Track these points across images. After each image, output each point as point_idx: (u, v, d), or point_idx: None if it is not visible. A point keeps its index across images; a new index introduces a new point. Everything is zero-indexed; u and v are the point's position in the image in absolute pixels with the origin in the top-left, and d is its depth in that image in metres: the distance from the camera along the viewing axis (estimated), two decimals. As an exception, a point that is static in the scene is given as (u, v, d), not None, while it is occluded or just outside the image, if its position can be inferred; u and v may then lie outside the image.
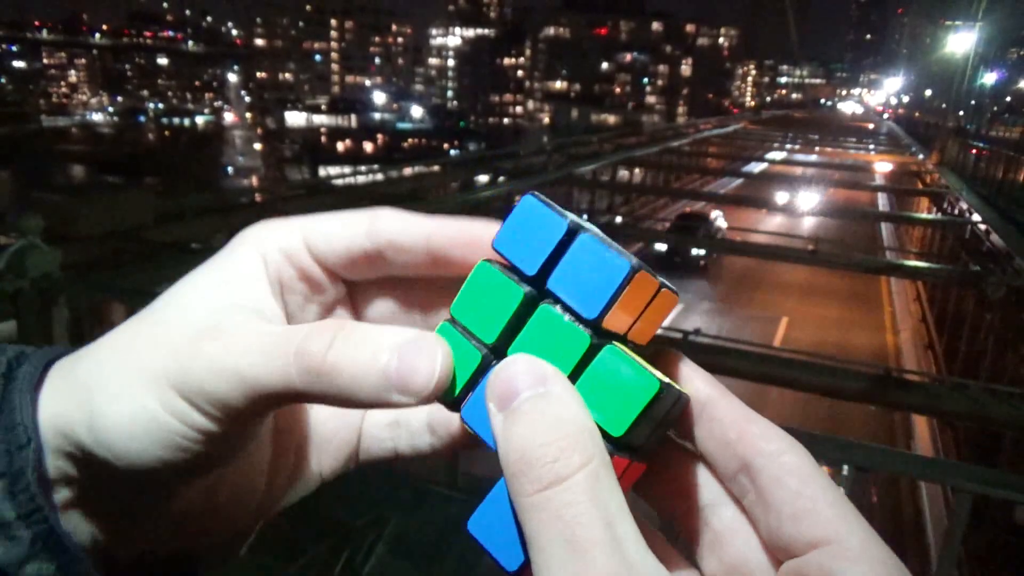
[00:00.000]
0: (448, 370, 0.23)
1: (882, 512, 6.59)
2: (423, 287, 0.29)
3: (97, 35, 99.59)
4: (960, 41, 27.10)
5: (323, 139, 72.31)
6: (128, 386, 0.24)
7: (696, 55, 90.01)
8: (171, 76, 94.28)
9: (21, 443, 0.23)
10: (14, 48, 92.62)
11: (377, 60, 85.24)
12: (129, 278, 4.00)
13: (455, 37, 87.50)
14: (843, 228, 18.78)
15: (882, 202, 22.18)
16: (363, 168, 15.84)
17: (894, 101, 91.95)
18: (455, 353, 0.24)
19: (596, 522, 0.19)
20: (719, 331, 9.88)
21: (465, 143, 69.91)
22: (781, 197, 18.61)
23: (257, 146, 71.44)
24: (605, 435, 0.22)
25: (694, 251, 14.72)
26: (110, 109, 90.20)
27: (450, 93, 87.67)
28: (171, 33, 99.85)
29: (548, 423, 0.21)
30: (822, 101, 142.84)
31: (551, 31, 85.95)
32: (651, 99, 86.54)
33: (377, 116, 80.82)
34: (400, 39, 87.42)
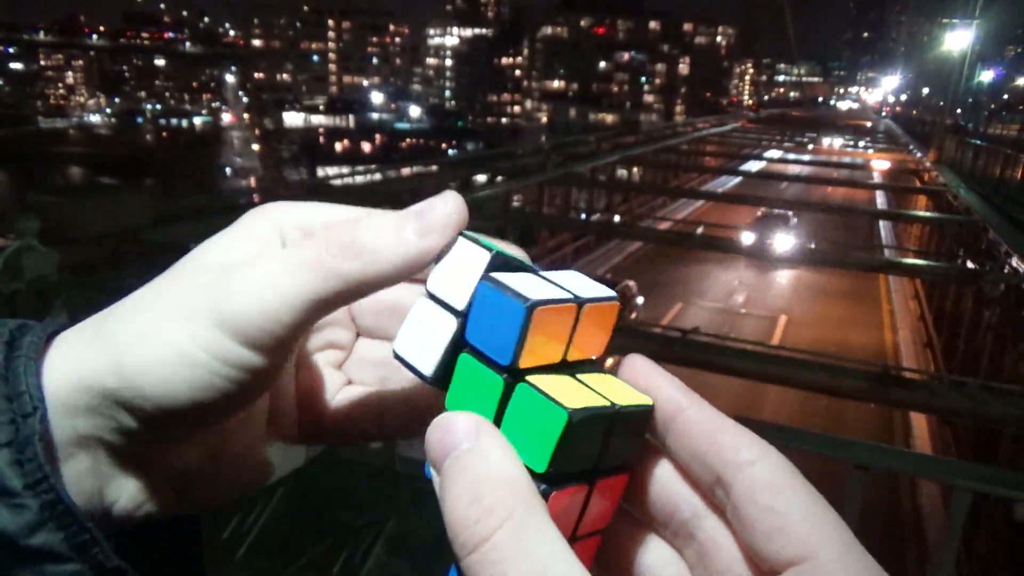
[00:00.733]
0: (462, 208, 0.24)
1: (881, 510, 6.60)
2: None
3: (94, 36, 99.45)
4: (958, 39, 27.14)
5: (321, 139, 72.25)
6: (155, 326, 0.24)
7: (694, 54, 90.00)
8: (168, 77, 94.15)
9: (27, 411, 0.23)
10: (11, 50, 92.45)
11: (375, 60, 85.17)
12: (127, 279, 3.98)
13: (453, 37, 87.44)
14: (841, 226, 18.80)
15: (880, 200, 22.20)
16: (361, 168, 15.83)
17: (892, 99, 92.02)
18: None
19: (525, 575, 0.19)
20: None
21: (463, 143, 69.89)
22: (779, 194, 18.63)
23: (255, 147, 71.34)
24: (534, 474, 0.22)
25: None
26: (107, 110, 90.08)
27: (448, 93, 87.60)
28: (173, 34, 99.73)
29: (470, 482, 0.21)
30: (820, 99, 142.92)
31: (549, 30, 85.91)
32: (649, 98, 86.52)
33: (375, 116, 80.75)
34: (398, 39, 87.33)
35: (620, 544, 0.26)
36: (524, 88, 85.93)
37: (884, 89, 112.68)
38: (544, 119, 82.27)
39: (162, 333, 0.24)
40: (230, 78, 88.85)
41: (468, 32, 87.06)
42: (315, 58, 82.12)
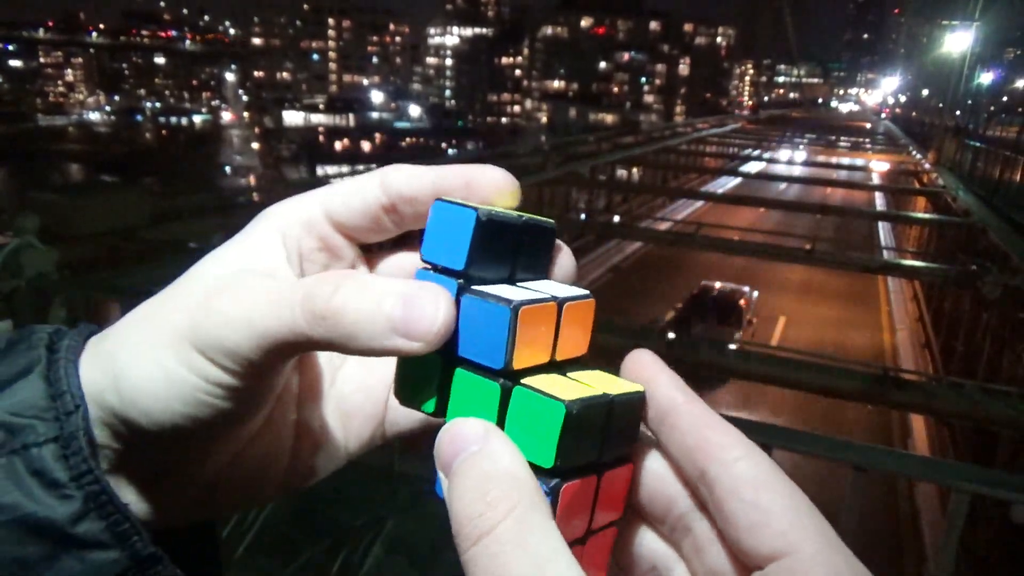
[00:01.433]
0: (451, 316, 0.24)
1: (879, 512, 6.60)
2: None
3: (94, 34, 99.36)
4: (957, 40, 27.14)
5: (321, 138, 72.22)
6: (147, 346, 0.25)
7: (694, 54, 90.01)
8: (168, 75, 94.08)
9: (69, 409, 0.24)
10: (10, 47, 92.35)
11: (375, 59, 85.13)
12: (126, 278, 3.99)
13: (453, 36, 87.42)
14: (840, 227, 18.81)
15: (879, 202, 22.22)
16: (361, 167, 15.84)
17: (891, 101, 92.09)
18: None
19: (524, 568, 0.19)
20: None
21: (463, 142, 69.88)
22: (778, 196, 18.64)
23: (255, 145, 71.34)
24: (543, 470, 0.22)
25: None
26: (107, 108, 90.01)
27: (448, 92, 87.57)
28: (175, 32, 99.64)
29: (475, 479, 0.21)
30: (819, 101, 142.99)
31: (549, 30, 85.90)
32: (649, 98, 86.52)
33: (375, 115, 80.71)
34: (398, 38, 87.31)
35: (618, 538, 0.26)
36: (524, 88, 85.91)
37: (884, 91, 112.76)
38: (544, 119, 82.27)
39: (152, 352, 0.25)
40: (230, 76, 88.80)
41: (468, 31, 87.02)
42: (315, 57, 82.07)
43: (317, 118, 75.25)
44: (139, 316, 0.27)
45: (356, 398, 0.31)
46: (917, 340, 11.41)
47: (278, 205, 0.29)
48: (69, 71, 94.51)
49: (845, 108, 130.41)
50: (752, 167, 26.29)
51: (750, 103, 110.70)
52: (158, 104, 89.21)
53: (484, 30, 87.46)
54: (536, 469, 0.22)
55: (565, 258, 0.28)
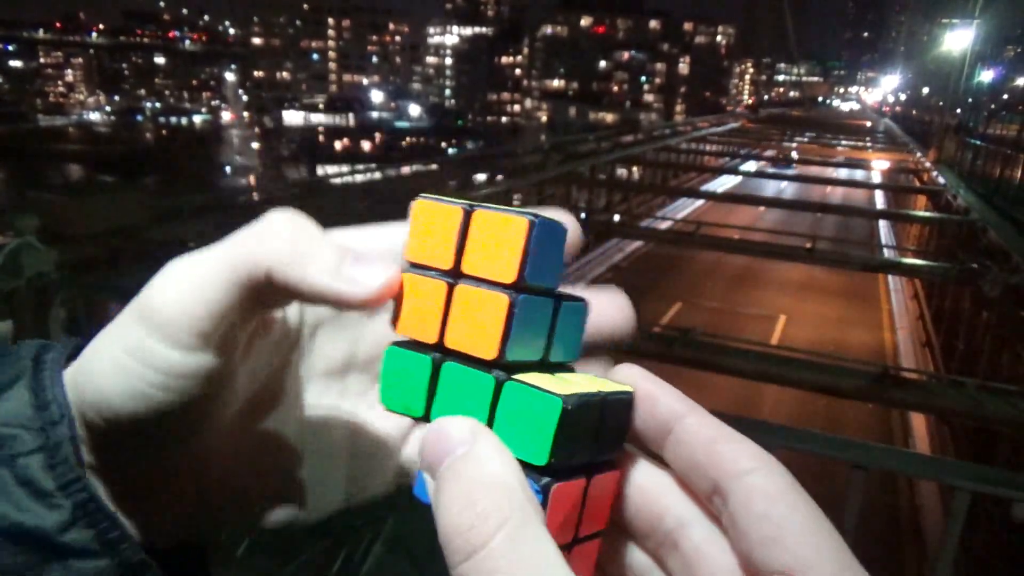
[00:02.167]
0: (394, 283, 0.23)
1: (880, 510, 6.60)
2: None
3: (94, 34, 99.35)
4: (957, 38, 27.11)
5: (321, 138, 72.24)
6: (103, 342, 0.25)
7: (694, 53, 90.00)
8: (168, 75, 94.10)
9: (55, 419, 0.24)
10: (10, 47, 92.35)
11: (375, 59, 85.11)
12: (126, 277, 3.99)
13: (453, 35, 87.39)
14: (840, 226, 18.81)
15: (879, 200, 22.20)
16: (361, 167, 15.82)
17: (891, 99, 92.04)
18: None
19: None
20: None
21: (463, 142, 69.87)
22: (778, 194, 18.64)
23: (255, 145, 71.37)
24: (535, 468, 0.22)
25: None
26: (107, 108, 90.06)
27: (448, 92, 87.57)
28: (177, 32, 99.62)
29: (463, 488, 0.20)
30: (819, 99, 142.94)
31: (549, 29, 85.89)
32: (649, 97, 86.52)
33: (375, 115, 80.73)
34: (398, 38, 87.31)
35: (602, 553, 0.26)
36: (524, 87, 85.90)
37: (884, 89, 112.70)
38: (544, 118, 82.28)
39: (105, 346, 0.24)
40: (230, 76, 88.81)
41: (468, 31, 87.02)
42: (315, 56, 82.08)
43: (317, 118, 75.26)
44: (112, 321, 0.26)
45: (371, 440, 0.31)
46: (918, 338, 11.41)
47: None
48: (69, 71, 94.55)
49: (846, 107, 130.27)
50: (752, 166, 26.29)
51: (749, 101, 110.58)
52: (158, 104, 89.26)
53: (484, 29, 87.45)
54: (527, 468, 0.22)
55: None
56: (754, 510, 0.21)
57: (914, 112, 52.12)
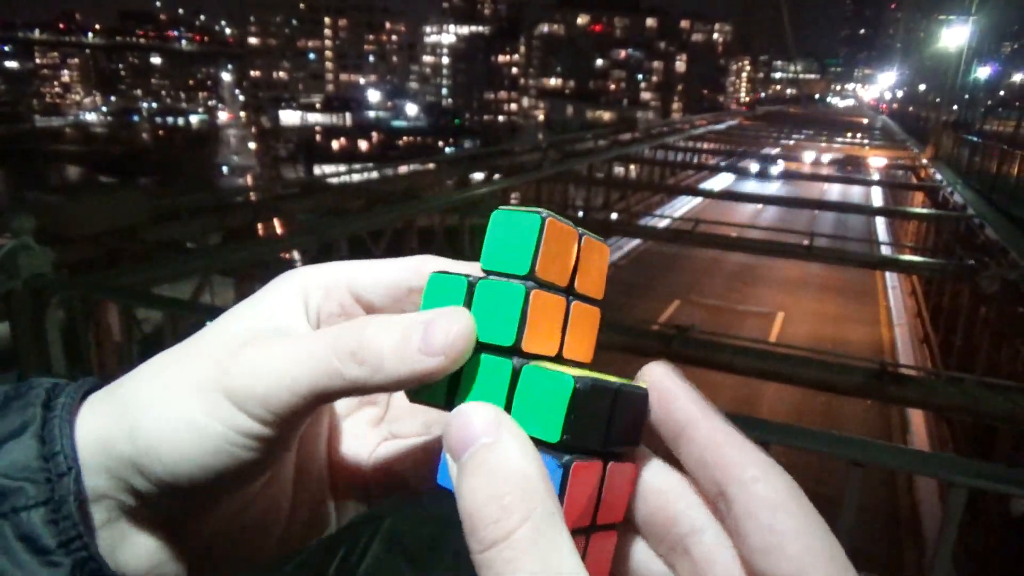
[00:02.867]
0: (470, 328, 0.24)
1: (878, 506, 6.61)
2: None
3: (90, 34, 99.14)
4: (954, 35, 27.12)
5: (318, 137, 72.12)
6: (170, 395, 0.25)
7: (691, 51, 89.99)
8: (164, 75, 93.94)
9: (62, 471, 0.24)
10: (6, 48, 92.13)
11: (371, 58, 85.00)
12: (123, 278, 3.98)
13: (449, 34, 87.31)
14: (838, 223, 18.82)
15: (877, 197, 22.22)
16: (358, 166, 15.80)
17: (888, 96, 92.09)
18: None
19: None
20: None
21: (460, 141, 69.82)
22: (776, 192, 18.65)
23: (252, 145, 71.27)
24: (548, 445, 0.23)
25: None
26: (103, 109, 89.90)
27: (445, 91, 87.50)
28: (175, 32, 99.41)
29: (490, 478, 0.21)
30: (816, 96, 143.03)
31: (546, 28, 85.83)
32: (646, 95, 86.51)
33: (372, 114, 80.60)
34: (394, 37, 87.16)
35: (615, 553, 0.26)
36: (521, 86, 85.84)
37: (881, 86, 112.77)
38: (541, 116, 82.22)
39: (174, 402, 0.25)
40: (226, 76, 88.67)
41: (465, 30, 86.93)
42: (311, 56, 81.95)
43: (314, 117, 75.15)
44: (157, 366, 0.27)
45: (346, 460, 0.32)
46: (915, 335, 11.42)
47: (301, 268, 0.29)
48: (65, 72, 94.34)
49: (842, 104, 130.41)
50: (749, 163, 26.29)
51: (746, 100, 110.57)
52: (155, 104, 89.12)
53: (481, 28, 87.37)
54: (541, 446, 0.23)
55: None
56: (757, 518, 0.22)
57: (911, 109, 52.16)
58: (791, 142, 30.49)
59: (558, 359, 0.25)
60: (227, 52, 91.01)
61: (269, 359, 0.25)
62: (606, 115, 77.71)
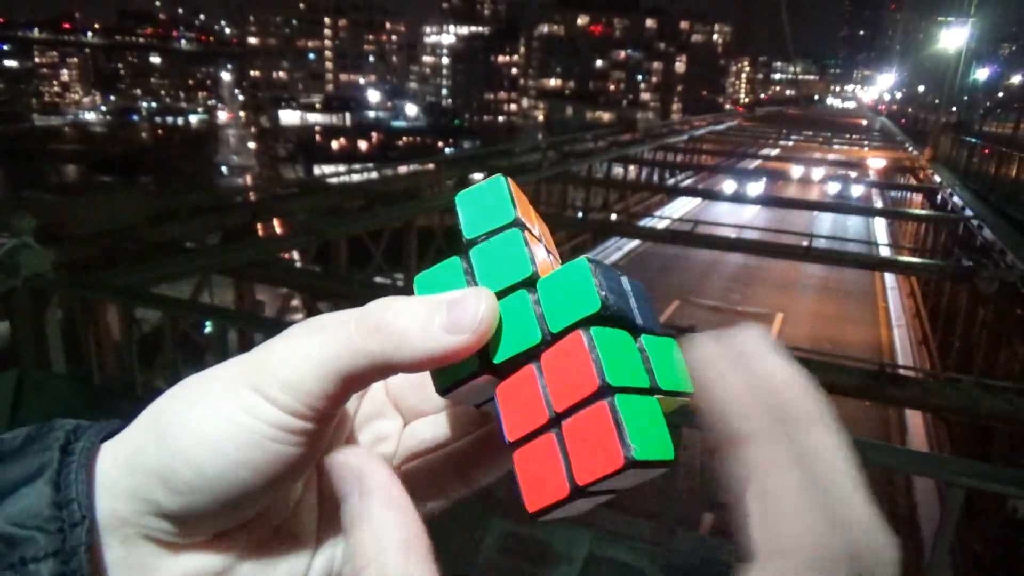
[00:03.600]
0: (496, 307, 0.25)
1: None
2: None
3: (89, 33, 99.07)
4: (953, 37, 27.15)
5: (317, 137, 72.06)
6: (202, 397, 0.25)
7: (690, 52, 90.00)
8: (164, 75, 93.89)
9: (75, 520, 0.23)
10: (5, 47, 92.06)
11: (371, 58, 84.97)
12: (122, 278, 3.98)
13: (449, 35, 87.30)
14: (836, 224, 18.83)
15: (876, 198, 22.24)
16: (358, 166, 15.79)
17: (887, 97, 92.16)
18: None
19: None
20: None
21: (460, 141, 69.82)
22: (775, 192, 18.65)
23: (251, 145, 71.18)
24: (597, 317, 0.25)
25: None
26: (103, 108, 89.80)
27: (444, 91, 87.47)
28: (178, 31, 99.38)
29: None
30: (816, 97, 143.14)
31: (545, 28, 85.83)
32: (645, 96, 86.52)
33: (371, 114, 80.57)
34: (394, 37, 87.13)
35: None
36: (521, 86, 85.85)
37: (880, 87, 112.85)
38: (541, 117, 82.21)
39: (206, 401, 0.25)
40: (226, 76, 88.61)
41: (464, 30, 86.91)
42: (311, 56, 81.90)
43: (313, 117, 75.12)
44: (191, 380, 0.27)
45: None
46: (914, 336, 11.44)
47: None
48: (64, 71, 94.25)
49: (842, 105, 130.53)
50: (749, 164, 26.30)
51: (745, 101, 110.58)
52: (154, 104, 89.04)
53: (480, 28, 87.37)
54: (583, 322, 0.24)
55: None
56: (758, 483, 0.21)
57: (910, 110, 52.20)
58: (790, 143, 30.52)
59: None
60: (227, 52, 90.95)
61: (294, 346, 0.25)
62: (605, 116, 77.71)
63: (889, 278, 14.17)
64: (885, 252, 14.39)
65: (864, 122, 55.66)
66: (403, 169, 11.84)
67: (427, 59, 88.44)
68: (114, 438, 0.26)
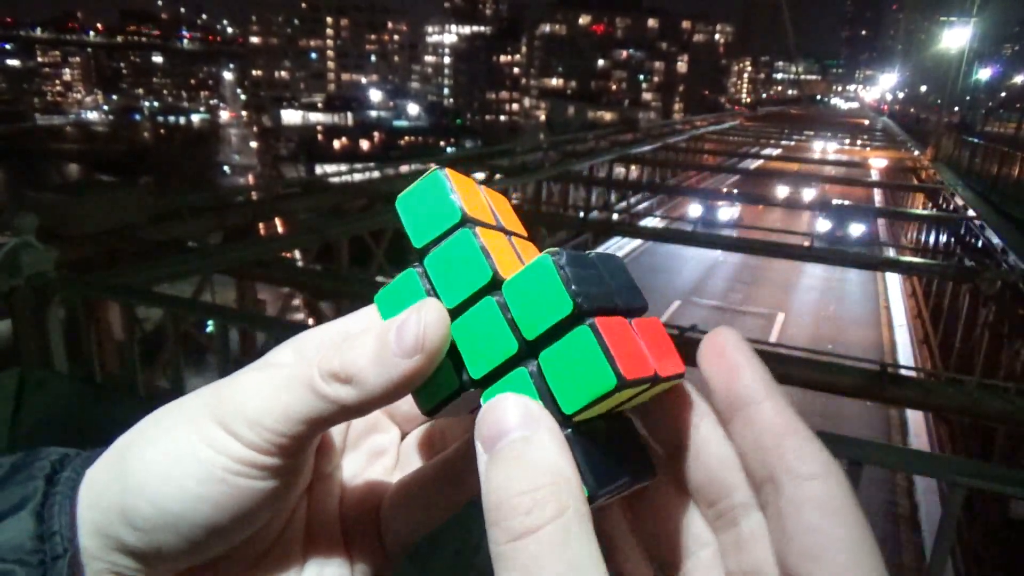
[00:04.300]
0: (441, 316, 0.24)
1: (878, 507, 6.62)
2: None
3: (91, 33, 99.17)
4: (955, 37, 27.12)
5: (319, 137, 72.11)
6: (165, 431, 0.24)
7: (692, 52, 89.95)
8: (166, 74, 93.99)
9: (57, 553, 0.23)
10: (8, 46, 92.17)
11: (373, 58, 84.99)
12: (124, 277, 3.99)
13: (451, 34, 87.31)
14: (838, 223, 18.78)
15: (877, 198, 22.22)
16: (359, 166, 15.80)
17: (889, 97, 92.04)
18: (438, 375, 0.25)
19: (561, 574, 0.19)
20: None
21: (461, 141, 69.84)
22: (777, 193, 18.62)
23: (253, 144, 71.26)
24: (574, 317, 0.23)
25: None
26: (105, 107, 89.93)
27: (446, 91, 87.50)
28: (182, 31, 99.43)
29: (525, 471, 0.21)
30: (818, 97, 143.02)
31: (547, 28, 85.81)
32: (647, 96, 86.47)
33: (373, 114, 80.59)
34: (396, 36, 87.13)
35: (663, 509, 0.26)
36: (522, 86, 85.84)
37: (882, 87, 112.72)
38: (542, 117, 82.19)
39: (168, 435, 0.24)
40: (228, 75, 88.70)
41: (466, 30, 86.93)
42: (313, 55, 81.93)
43: (315, 117, 75.15)
44: (156, 414, 0.26)
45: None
46: (916, 336, 11.43)
47: (303, 333, 0.29)
48: (67, 70, 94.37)
49: (845, 105, 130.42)
50: (750, 164, 26.29)
51: (746, 101, 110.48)
52: (156, 103, 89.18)
53: (482, 28, 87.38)
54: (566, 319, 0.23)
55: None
56: (804, 518, 0.21)
57: (912, 110, 52.16)
58: (792, 143, 30.50)
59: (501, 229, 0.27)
60: (229, 51, 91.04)
61: (260, 384, 0.24)
62: (607, 115, 77.68)
63: (891, 278, 14.16)
64: (887, 252, 14.40)
65: (866, 122, 55.60)
66: (405, 168, 11.84)
67: (429, 59, 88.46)
68: (90, 473, 0.25)
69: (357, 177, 11.18)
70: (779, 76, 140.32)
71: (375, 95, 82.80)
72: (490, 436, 0.22)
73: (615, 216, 15.27)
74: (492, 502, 0.21)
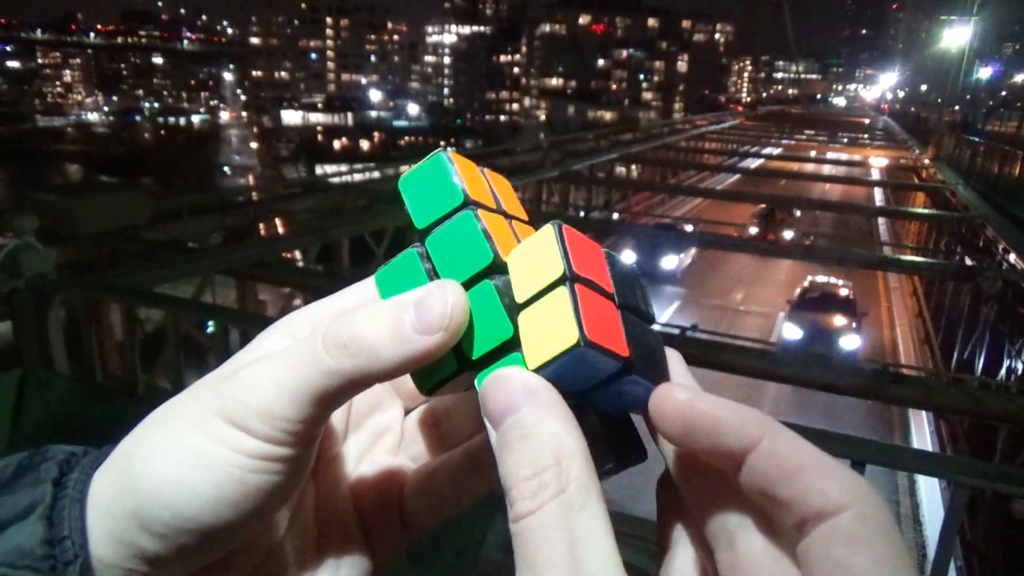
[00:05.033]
0: (463, 305, 0.24)
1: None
2: None
3: (92, 34, 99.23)
4: (955, 36, 27.10)
5: (319, 137, 72.11)
6: (170, 434, 0.24)
7: (692, 51, 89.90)
8: (166, 75, 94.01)
9: (68, 559, 0.23)
10: (8, 47, 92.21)
11: (373, 58, 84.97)
12: (125, 277, 3.99)
13: (451, 34, 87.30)
14: (839, 223, 18.81)
15: (878, 197, 22.20)
16: (359, 166, 15.81)
17: (890, 96, 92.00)
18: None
19: (560, 551, 0.20)
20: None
21: (462, 141, 69.82)
22: (777, 192, 18.61)
23: (253, 144, 71.25)
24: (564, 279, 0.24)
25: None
26: (105, 108, 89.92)
27: (446, 91, 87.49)
28: (181, 32, 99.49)
29: (531, 450, 0.21)
30: (818, 96, 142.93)
31: (547, 28, 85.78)
32: (647, 95, 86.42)
33: (373, 114, 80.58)
34: (396, 37, 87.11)
35: (661, 524, 0.26)
36: (522, 85, 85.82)
37: (882, 86, 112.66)
38: (542, 116, 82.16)
39: (176, 439, 0.24)
40: (228, 76, 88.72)
41: (466, 29, 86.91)
42: (313, 56, 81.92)
43: (315, 117, 75.14)
44: (157, 416, 0.25)
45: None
46: (917, 335, 11.42)
47: (291, 313, 0.29)
48: (67, 71, 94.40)
49: (844, 104, 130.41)
50: (751, 163, 26.28)
51: (746, 101, 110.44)
52: (156, 104, 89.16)
53: (482, 28, 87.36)
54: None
55: None
56: (831, 554, 0.19)
57: (912, 109, 52.12)
58: (792, 142, 30.47)
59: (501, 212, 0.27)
60: (229, 52, 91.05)
61: (263, 373, 0.24)
62: (607, 115, 77.64)
63: (892, 277, 14.16)
64: (888, 251, 14.39)
65: (866, 121, 55.57)
66: (405, 168, 11.80)
67: (429, 59, 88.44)
68: (97, 479, 0.25)
69: (357, 177, 11.18)
70: (779, 75, 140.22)
71: (375, 95, 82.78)
72: (496, 412, 0.22)
73: (616, 216, 15.28)
74: (505, 485, 0.22)
